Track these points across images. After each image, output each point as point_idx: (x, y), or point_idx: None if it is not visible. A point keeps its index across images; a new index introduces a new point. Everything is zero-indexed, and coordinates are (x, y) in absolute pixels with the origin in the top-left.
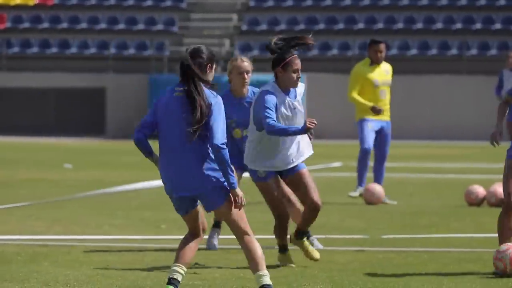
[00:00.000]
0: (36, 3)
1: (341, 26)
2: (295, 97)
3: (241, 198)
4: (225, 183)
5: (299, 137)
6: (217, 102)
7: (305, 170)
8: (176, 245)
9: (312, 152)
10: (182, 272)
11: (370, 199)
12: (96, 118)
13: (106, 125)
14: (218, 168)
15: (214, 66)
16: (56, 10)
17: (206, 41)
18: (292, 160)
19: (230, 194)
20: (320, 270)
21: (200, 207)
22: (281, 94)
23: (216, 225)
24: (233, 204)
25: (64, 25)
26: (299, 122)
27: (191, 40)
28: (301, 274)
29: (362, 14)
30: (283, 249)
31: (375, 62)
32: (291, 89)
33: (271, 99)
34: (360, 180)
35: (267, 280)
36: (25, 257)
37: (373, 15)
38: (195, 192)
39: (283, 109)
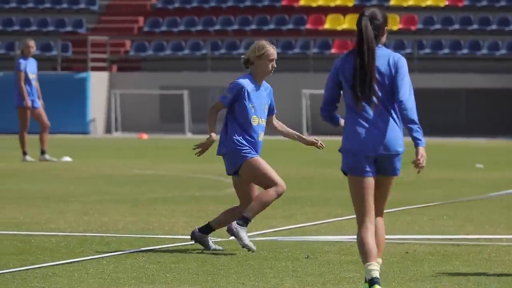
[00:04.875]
0: (446, 4)
1: None
2: None
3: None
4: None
5: None
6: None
7: None
8: None
9: None
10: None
11: None
12: (506, 118)
13: None
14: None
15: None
16: (467, 11)
17: None
18: None
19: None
20: None
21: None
22: None
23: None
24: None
25: (475, 26)
26: None
27: None
28: None
29: None
30: None
31: None
32: None
33: None
34: None
35: (375, 273)
36: (437, 256)
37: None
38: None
39: None
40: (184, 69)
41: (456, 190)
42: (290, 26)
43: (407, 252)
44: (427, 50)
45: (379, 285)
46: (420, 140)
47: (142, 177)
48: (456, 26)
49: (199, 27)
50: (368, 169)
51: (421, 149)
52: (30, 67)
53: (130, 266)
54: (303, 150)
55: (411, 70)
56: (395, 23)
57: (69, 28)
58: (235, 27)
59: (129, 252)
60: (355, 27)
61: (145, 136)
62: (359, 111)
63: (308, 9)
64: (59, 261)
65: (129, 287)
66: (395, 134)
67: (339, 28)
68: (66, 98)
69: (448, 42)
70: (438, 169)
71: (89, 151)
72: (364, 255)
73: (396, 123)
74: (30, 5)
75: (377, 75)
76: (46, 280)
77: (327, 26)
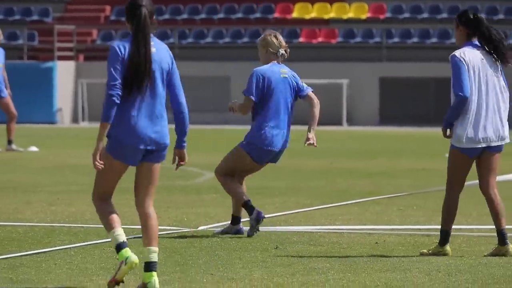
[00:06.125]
0: None
1: None
2: None
3: None
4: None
5: None
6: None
7: None
8: None
9: None
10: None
11: None
12: None
13: None
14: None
15: None
16: (436, 0)
17: None
18: None
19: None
20: None
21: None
22: None
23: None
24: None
25: (444, 15)
26: None
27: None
28: None
29: None
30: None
31: None
32: None
33: None
34: None
35: (122, 237)
36: (407, 247)
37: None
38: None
39: None
40: None
41: (425, 180)
42: (258, 15)
43: (376, 243)
44: (396, 39)
45: (127, 247)
46: (185, 142)
47: None
48: (425, 15)
49: (167, 16)
50: (135, 158)
51: (185, 151)
52: None
53: (98, 257)
54: None
55: (379, 59)
56: (363, 12)
57: (35, 17)
58: (195, 16)
59: (97, 243)
60: (323, 16)
61: None
62: (135, 103)
63: None
64: (26, 251)
65: (97, 278)
66: (165, 126)
67: (307, 17)
68: (32, 87)
69: (417, 31)
70: (407, 159)
71: (56, 140)
72: (110, 223)
73: (165, 115)
74: None
75: (161, 66)
76: (14, 270)
77: (295, 15)
